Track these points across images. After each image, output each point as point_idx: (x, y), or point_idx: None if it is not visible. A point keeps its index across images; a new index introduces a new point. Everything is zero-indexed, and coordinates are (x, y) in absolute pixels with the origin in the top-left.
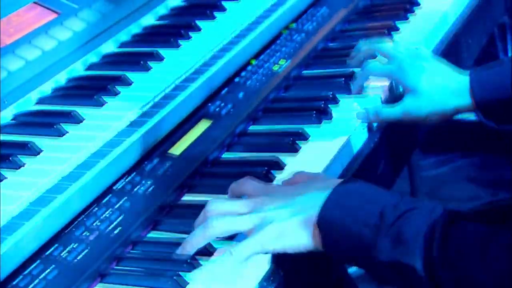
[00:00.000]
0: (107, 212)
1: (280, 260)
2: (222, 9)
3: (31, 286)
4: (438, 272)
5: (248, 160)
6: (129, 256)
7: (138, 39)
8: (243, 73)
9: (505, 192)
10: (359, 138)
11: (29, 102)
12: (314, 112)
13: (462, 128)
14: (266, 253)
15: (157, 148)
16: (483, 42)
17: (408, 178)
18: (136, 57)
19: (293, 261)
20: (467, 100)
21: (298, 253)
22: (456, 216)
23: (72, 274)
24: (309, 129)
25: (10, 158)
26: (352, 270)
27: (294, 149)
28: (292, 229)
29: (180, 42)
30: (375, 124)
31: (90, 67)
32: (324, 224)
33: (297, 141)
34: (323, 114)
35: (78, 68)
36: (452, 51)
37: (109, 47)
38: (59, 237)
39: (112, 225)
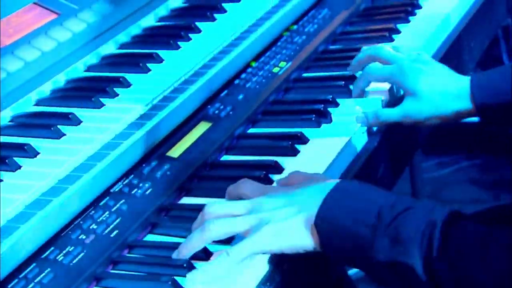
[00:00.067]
0: (104, 215)
1: (279, 261)
2: (223, 10)
3: None
4: (438, 272)
5: (246, 163)
6: (125, 259)
7: (137, 40)
8: (243, 75)
9: (507, 194)
10: (359, 141)
11: (27, 104)
12: (314, 115)
13: (464, 129)
14: (264, 253)
15: (155, 150)
16: (485, 45)
17: (410, 180)
18: (135, 58)
19: (291, 262)
20: (467, 104)
21: (297, 254)
22: (456, 216)
23: (67, 277)
24: (308, 132)
25: (7, 160)
26: (353, 272)
27: (293, 152)
28: (289, 230)
29: (180, 43)
30: (375, 127)
31: (90, 68)
32: (322, 224)
33: (296, 144)
34: (322, 117)
35: (77, 69)
36: (453, 54)
37: (109, 48)
38: (55, 240)
39: (109, 228)
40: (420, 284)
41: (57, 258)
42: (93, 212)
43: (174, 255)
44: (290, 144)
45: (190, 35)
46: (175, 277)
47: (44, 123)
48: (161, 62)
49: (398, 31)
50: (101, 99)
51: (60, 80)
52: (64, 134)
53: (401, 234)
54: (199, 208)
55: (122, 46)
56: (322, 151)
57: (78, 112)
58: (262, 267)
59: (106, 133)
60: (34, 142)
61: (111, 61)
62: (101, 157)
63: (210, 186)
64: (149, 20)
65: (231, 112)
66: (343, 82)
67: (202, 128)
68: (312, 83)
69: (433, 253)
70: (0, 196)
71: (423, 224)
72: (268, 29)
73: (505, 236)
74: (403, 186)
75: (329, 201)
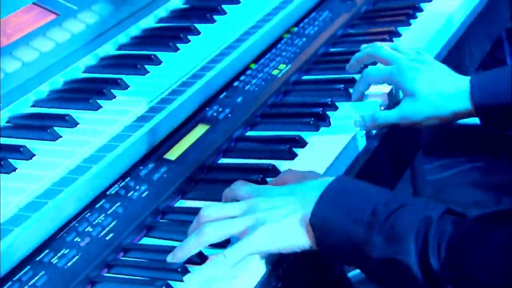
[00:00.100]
0: (99, 218)
1: (277, 262)
2: (223, 12)
3: None
4: (433, 269)
5: (244, 166)
6: (120, 263)
7: (137, 41)
8: (242, 77)
9: (508, 198)
10: (358, 145)
11: (25, 105)
12: (312, 118)
13: (467, 131)
14: (261, 254)
15: (152, 153)
16: (486, 50)
17: (411, 182)
18: (133, 60)
19: (289, 262)
20: (466, 104)
21: (294, 254)
22: (451, 213)
23: (62, 280)
24: (307, 135)
25: (2, 162)
26: (353, 273)
27: (290, 156)
28: (285, 229)
29: (179, 45)
30: (374, 131)
31: (88, 69)
32: (318, 222)
33: (294, 148)
34: (321, 121)
35: (76, 71)
36: (454, 58)
37: (108, 49)
38: (50, 243)
39: (104, 231)
40: (415, 281)
41: (52, 261)
42: (88, 214)
43: (169, 259)
44: (288, 148)
45: (189, 37)
46: (170, 282)
47: (40, 125)
48: (160, 64)
49: (399, 34)
50: (99, 101)
51: (58, 81)
52: (61, 136)
53: (396, 231)
54: (196, 211)
55: (121, 47)
56: (320, 154)
57: (75, 114)
58: (259, 269)
59: (102, 135)
60: (30, 143)
61: (109, 63)
62: (97, 159)
63: (207, 189)
64: (149, 21)
65: (229, 115)
66: (343, 85)
67: (200, 130)
68: (312, 86)
69: (428, 250)
70: None
71: (418, 221)
72: (268, 31)
73: (502, 233)
74: (404, 188)
75: (323, 199)
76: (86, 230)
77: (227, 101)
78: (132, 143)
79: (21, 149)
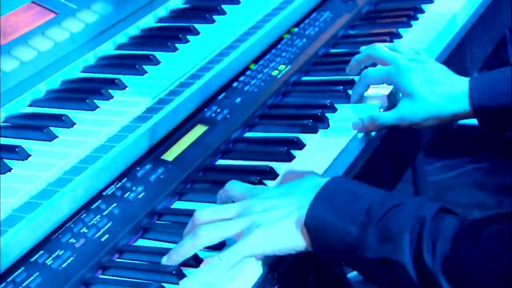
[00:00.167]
0: (95, 219)
1: (273, 264)
2: (222, 12)
3: None
4: (428, 268)
5: (241, 168)
6: (115, 264)
7: (135, 41)
8: (241, 78)
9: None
10: (356, 147)
11: (22, 104)
12: (311, 120)
13: (469, 132)
14: (256, 256)
15: (150, 153)
16: (488, 51)
17: (412, 183)
18: (132, 60)
19: (285, 264)
20: (465, 105)
21: (290, 255)
22: (446, 211)
23: (56, 282)
24: (305, 137)
25: None
26: (352, 275)
27: (288, 158)
28: (281, 232)
29: (178, 45)
30: (373, 133)
31: (86, 69)
32: (312, 224)
33: (292, 150)
34: (319, 122)
35: (74, 70)
36: (455, 59)
37: (107, 49)
38: (44, 244)
39: (100, 232)
40: (410, 281)
41: (46, 262)
42: (84, 215)
43: (164, 261)
44: (286, 150)
45: (188, 37)
46: (165, 284)
47: (36, 125)
48: (158, 64)
49: (399, 35)
50: (96, 101)
51: (56, 80)
52: (57, 136)
53: (390, 231)
54: (192, 213)
55: (120, 47)
56: (318, 156)
57: (72, 114)
58: (255, 271)
59: (99, 135)
60: (26, 143)
61: (107, 62)
62: (93, 160)
63: (204, 190)
64: (148, 21)
65: (228, 116)
66: (342, 87)
67: (198, 131)
68: (311, 87)
69: (423, 249)
70: None
71: (412, 219)
72: (268, 31)
73: (501, 234)
74: (405, 189)
75: (318, 200)
76: (81, 231)
77: (226, 102)
78: (129, 144)
79: (16, 149)
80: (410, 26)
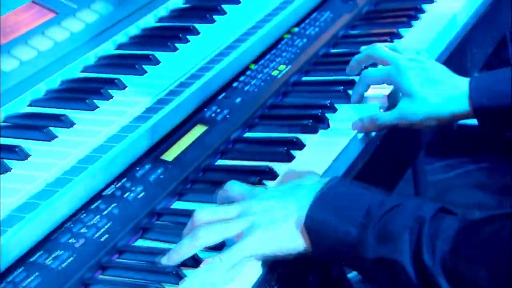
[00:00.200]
0: (94, 219)
1: (272, 265)
2: (222, 12)
3: None
4: (427, 268)
5: (241, 168)
6: (114, 265)
7: (136, 41)
8: (241, 78)
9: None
10: (356, 147)
11: (21, 104)
12: (311, 120)
13: (470, 132)
14: (256, 257)
15: (149, 153)
16: (489, 52)
17: (413, 183)
18: (131, 60)
19: (285, 265)
20: (465, 106)
21: (289, 256)
22: (445, 212)
23: (55, 282)
24: (305, 137)
25: None
26: (352, 274)
27: (288, 158)
28: (281, 233)
29: (178, 45)
30: (373, 133)
31: (86, 69)
32: (312, 225)
33: (292, 150)
34: (319, 123)
35: (74, 70)
36: (456, 60)
37: (107, 48)
38: (44, 244)
39: (99, 232)
40: (409, 281)
41: (46, 262)
42: (84, 215)
43: (163, 261)
44: (285, 150)
45: (189, 37)
46: (164, 284)
47: (36, 125)
48: (158, 64)
49: (400, 36)
50: (95, 101)
51: (56, 80)
52: (56, 136)
53: (390, 231)
54: (192, 213)
55: (120, 46)
56: (318, 157)
57: (72, 114)
58: (255, 272)
59: (99, 135)
60: (25, 143)
61: (107, 62)
62: (93, 160)
63: (203, 190)
64: (149, 21)
65: (228, 116)
66: (342, 87)
67: (198, 131)
68: (311, 87)
69: (422, 249)
70: None
71: (412, 220)
72: (269, 31)
73: (501, 234)
74: (406, 189)
75: (318, 201)
76: (81, 231)
77: (226, 102)
78: (129, 144)
79: (16, 149)
80: (411, 26)
